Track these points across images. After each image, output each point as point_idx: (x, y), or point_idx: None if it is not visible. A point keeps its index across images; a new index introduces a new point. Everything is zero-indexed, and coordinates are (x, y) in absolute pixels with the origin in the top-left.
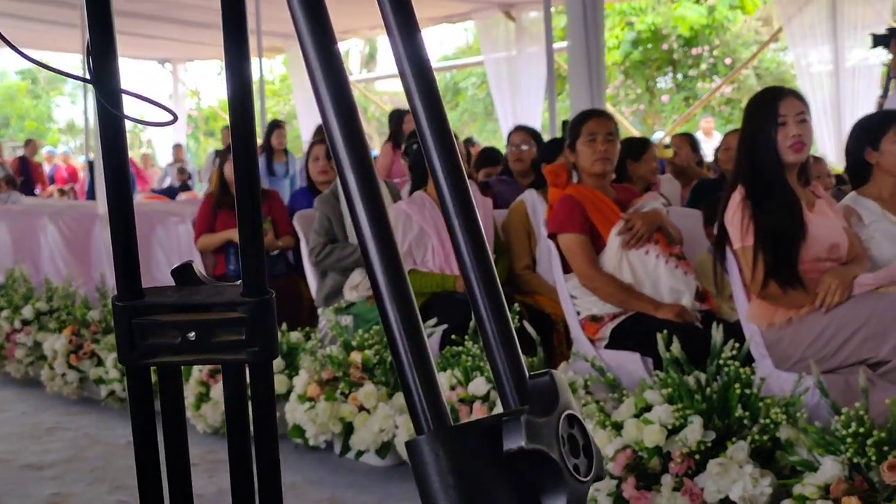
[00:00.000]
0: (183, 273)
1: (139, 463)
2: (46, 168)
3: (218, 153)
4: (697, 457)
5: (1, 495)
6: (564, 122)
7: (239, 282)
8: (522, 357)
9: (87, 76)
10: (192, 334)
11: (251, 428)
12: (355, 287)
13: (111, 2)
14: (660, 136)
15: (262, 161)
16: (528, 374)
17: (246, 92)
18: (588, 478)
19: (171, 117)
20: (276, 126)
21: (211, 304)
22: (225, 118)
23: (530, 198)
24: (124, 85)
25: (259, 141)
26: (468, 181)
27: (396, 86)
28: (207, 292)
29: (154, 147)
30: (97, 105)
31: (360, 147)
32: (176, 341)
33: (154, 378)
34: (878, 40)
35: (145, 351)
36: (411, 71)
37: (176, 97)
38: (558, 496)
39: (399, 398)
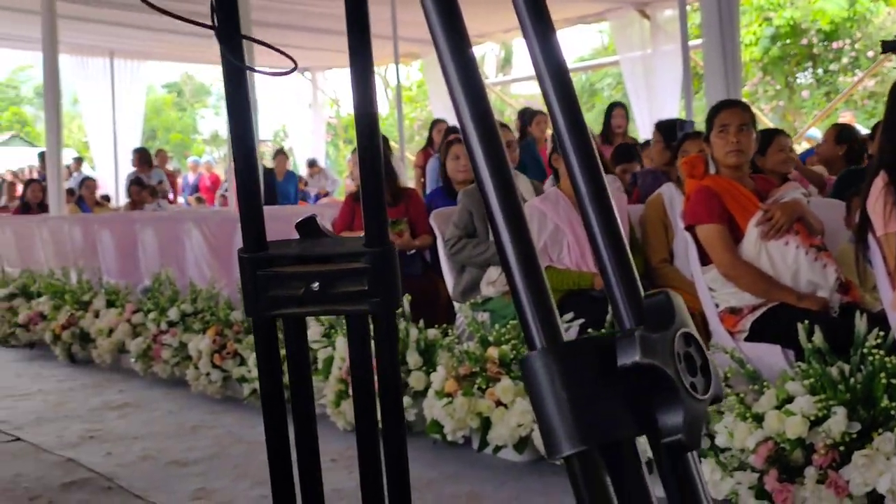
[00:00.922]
0: (307, 226)
1: (267, 414)
2: (191, 177)
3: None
4: (842, 448)
5: (148, 490)
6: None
7: (361, 234)
8: (637, 277)
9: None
10: (315, 285)
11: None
12: (492, 282)
13: None
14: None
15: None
16: (643, 294)
17: (370, 88)
18: (706, 396)
19: (291, 65)
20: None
21: (333, 255)
22: None
23: (668, 191)
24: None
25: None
26: (606, 175)
27: (532, 89)
28: (330, 244)
29: (294, 155)
30: (222, 58)
31: (495, 146)
32: (300, 293)
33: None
34: (887, 46)
35: (270, 303)
36: (548, 71)
37: (315, 105)
38: (674, 412)
39: None
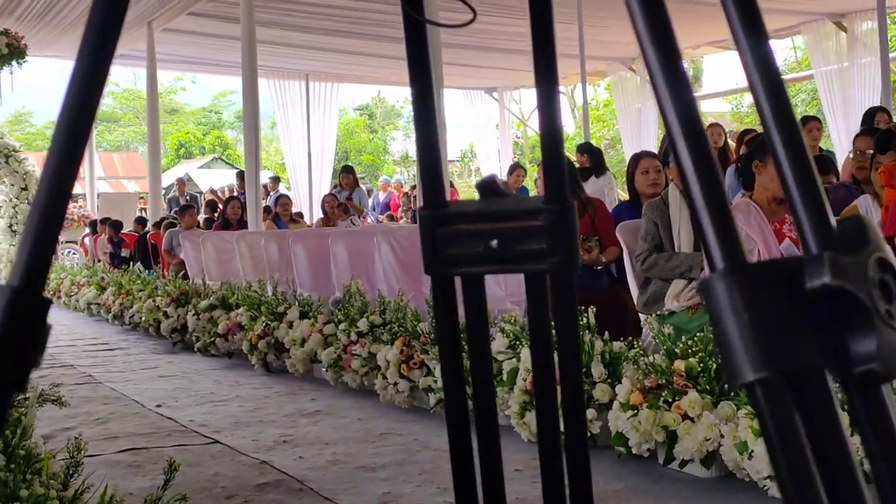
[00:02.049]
0: (487, 187)
1: (445, 373)
2: (381, 196)
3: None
4: None
5: (337, 493)
6: None
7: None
8: (826, 200)
9: None
10: (494, 242)
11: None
12: (676, 296)
13: None
14: None
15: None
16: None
17: (555, 110)
18: None
19: (471, 16)
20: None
21: (512, 212)
22: None
23: (864, 203)
24: (455, 113)
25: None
26: None
27: (720, 106)
28: (509, 202)
29: (483, 175)
30: (404, 16)
31: (706, 159)
32: (479, 250)
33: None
34: None
35: (449, 260)
36: (759, 76)
37: (503, 125)
38: (867, 339)
39: (725, 407)
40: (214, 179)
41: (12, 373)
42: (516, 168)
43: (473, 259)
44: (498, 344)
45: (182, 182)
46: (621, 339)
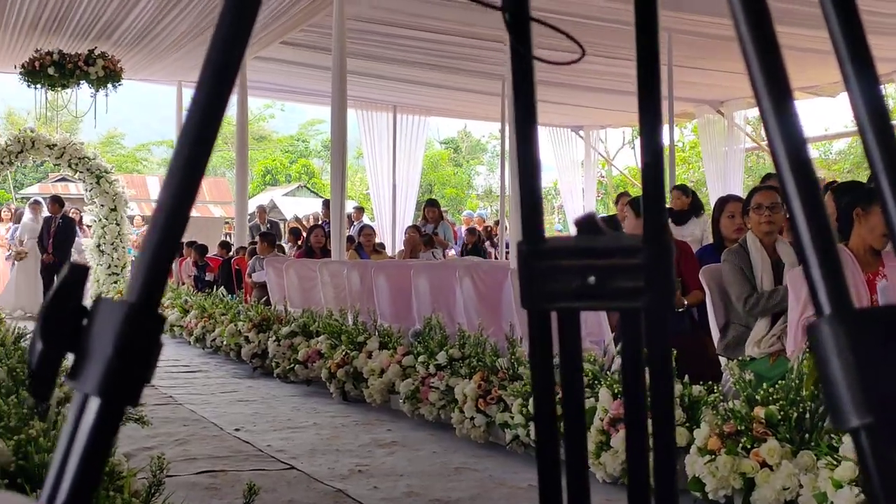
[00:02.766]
0: (585, 223)
1: (538, 406)
2: (464, 230)
3: (630, 204)
4: None
5: None
6: None
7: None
8: None
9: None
10: (591, 279)
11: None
12: (757, 343)
13: None
14: None
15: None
16: None
17: (657, 155)
18: None
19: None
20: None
21: (610, 249)
22: (634, 185)
23: None
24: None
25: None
26: None
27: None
28: (607, 240)
29: (565, 213)
30: (511, 52)
31: (815, 203)
32: (575, 286)
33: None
34: None
35: (546, 295)
36: (869, 122)
37: (588, 164)
38: None
39: (805, 456)
40: (299, 207)
41: (127, 386)
42: (674, 189)
43: (570, 294)
44: None
45: (262, 210)
46: (701, 383)
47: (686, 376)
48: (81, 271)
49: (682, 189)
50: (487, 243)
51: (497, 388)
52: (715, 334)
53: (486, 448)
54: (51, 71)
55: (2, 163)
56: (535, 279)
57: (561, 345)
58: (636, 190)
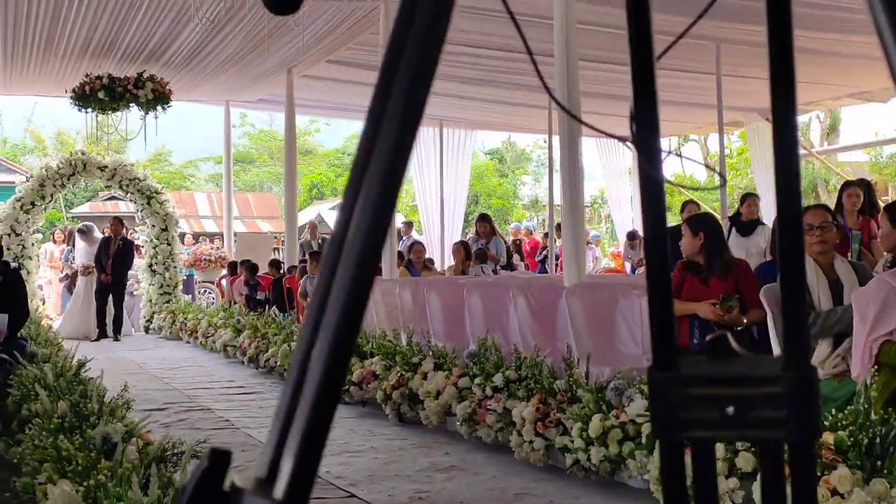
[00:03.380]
0: (718, 345)
1: None
2: (510, 241)
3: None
4: None
5: None
6: None
7: (778, 354)
8: None
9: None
10: (730, 409)
11: None
12: (821, 363)
13: (654, 71)
14: None
15: None
16: None
17: (793, 156)
18: None
19: (718, 182)
20: None
21: (749, 378)
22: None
23: None
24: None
25: None
26: None
27: (859, 157)
28: (745, 365)
29: (614, 223)
30: (638, 165)
31: None
32: (713, 416)
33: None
34: None
35: (680, 425)
36: None
37: (636, 173)
38: None
39: (878, 484)
40: None
41: None
42: (749, 197)
43: (706, 424)
44: (637, 406)
45: (314, 226)
46: None
47: None
48: (223, 458)
49: (753, 198)
50: (516, 256)
51: (556, 410)
52: (775, 348)
53: (545, 472)
54: (101, 95)
55: (54, 186)
56: (669, 408)
57: (695, 476)
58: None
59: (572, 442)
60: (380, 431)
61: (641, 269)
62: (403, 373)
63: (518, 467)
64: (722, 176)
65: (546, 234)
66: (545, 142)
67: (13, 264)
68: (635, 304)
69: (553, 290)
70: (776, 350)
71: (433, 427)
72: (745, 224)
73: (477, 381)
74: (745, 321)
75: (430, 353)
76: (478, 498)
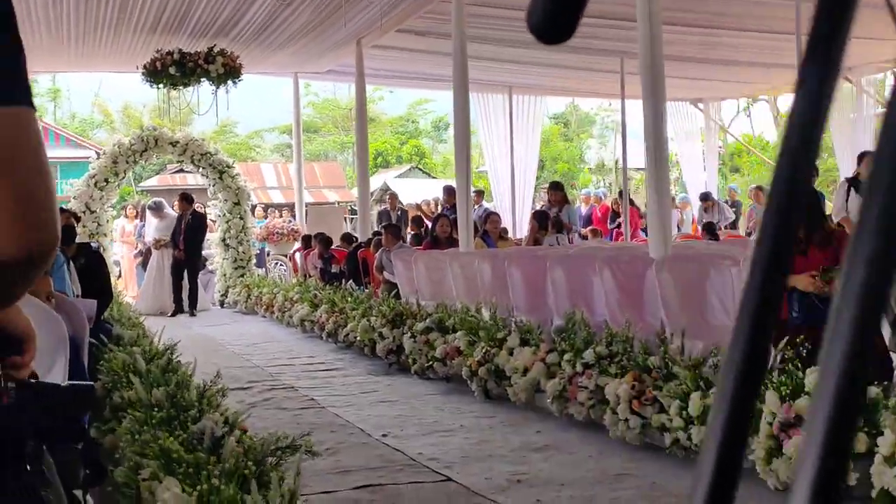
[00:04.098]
0: None
1: None
2: (583, 209)
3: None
4: None
5: None
6: None
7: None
8: None
9: None
10: None
11: None
12: None
13: None
14: None
15: None
16: None
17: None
18: None
19: None
20: None
21: None
22: (749, 152)
23: None
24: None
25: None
26: None
27: None
28: None
29: (685, 185)
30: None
31: None
32: None
33: None
34: None
35: None
36: None
37: (708, 133)
38: None
39: None
40: (412, 188)
41: None
42: (868, 155)
43: None
44: None
45: (394, 196)
46: (871, 382)
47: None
48: None
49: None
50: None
51: (651, 388)
52: (886, 331)
53: (642, 451)
54: (172, 70)
55: (127, 162)
56: None
57: None
58: (750, 157)
59: (671, 421)
60: (467, 409)
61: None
62: (489, 348)
63: (614, 446)
64: None
65: (616, 199)
66: (610, 104)
67: (94, 244)
68: (726, 275)
69: (640, 262)
70: (884, 325)
71: (521, 404)
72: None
73: (566, 357)
74: None
75: (515, 327)
76: (577, 479)
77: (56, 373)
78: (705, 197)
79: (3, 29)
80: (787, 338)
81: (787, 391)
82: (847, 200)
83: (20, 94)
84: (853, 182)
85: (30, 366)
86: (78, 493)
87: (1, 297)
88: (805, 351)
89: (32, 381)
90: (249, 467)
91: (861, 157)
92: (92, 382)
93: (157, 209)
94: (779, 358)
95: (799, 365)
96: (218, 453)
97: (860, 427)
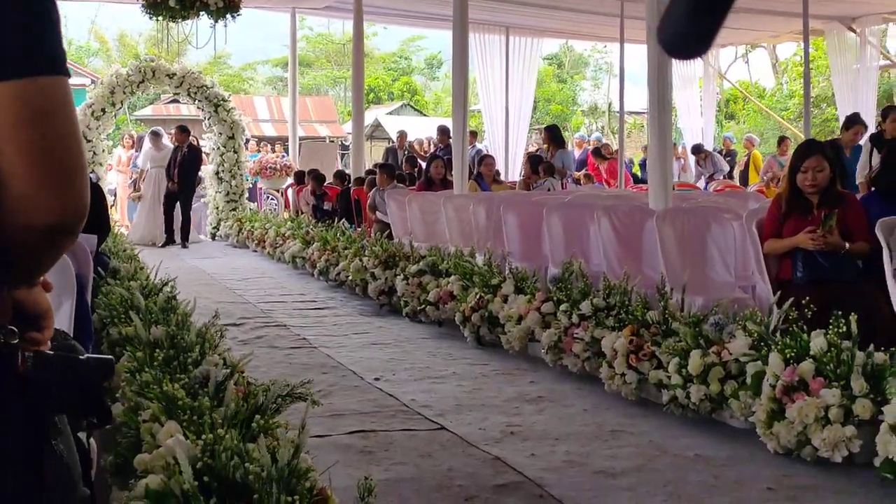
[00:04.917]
0: None
1: None
2: (577, 153)
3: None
4: None
5: (582, 501)
6: None
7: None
8: None
9: None
10: None
11: None
12: None
13: None
14: None
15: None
16: None
17: None
18: None
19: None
20: None
21: None
22: (746, 99)
23: None
24: None
25: None
26: None
27: None
28: None
29: (681, 131)
30: None
31: None
32: None
33: None
34: None
35: None
36: None
37: (706, 80)
38: None
39: None
40: (404, 125)
41: None
42: (892, 111)
43: None
44: (740, 345)
45: (403, 135)
46: (877, 347)
47: (871, 345)
48: None
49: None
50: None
51: (650, 343)
52: (893, 294)
53: (638, 406)
54: (172, 3)
55: (124, 93)
56: None
57: None
58: (746, 105)
59: (669, 378)
60: (459, 355)
61: (714, 184)
62: (482, 295)
63: (609, 400)
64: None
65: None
66: (605, 46)
67: (92, 177)
68: (728, 230)
69: (639, 212)
70: (892, 285)
71: (514, 353)
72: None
73: (562, 307)
74: (846, 245)
75: (510, 274)
76: (573, 434)
77: (63, 314)
78: (698, 149)
79: (54, 6)
80: (791, 298)
81: (792, 354)
82: (870, 160)
83: (52, 63)
84: (876, 139)
85: (48, 341)
86: (82, 435)
87: (31, 268)
88: (810, 313)
89: (51, 353)
90: (256, 420)
91: (886, 112)
92: (111, 356)
93: (156, 137)
94: (782, 318)
95: (804, 327)
96: (219, 398)
97: (865, 394)
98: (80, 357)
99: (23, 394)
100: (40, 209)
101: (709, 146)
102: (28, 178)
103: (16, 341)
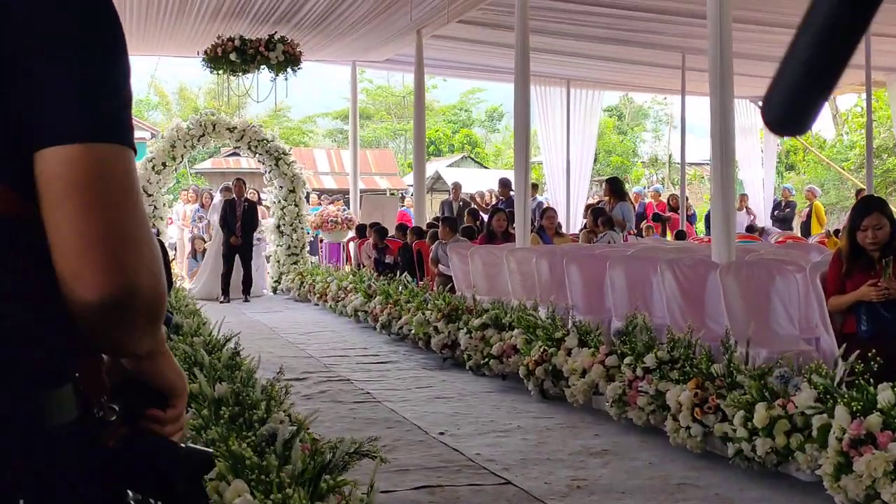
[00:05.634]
0: None
1: None
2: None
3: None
4: None
5: None
6: None
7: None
8: None
9: None
10: None
11: None
12: None
13: None
14: None
15: None
16: None
17: None
18: None
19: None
20: None
21: None
22: (807, 150)
23: None
24: None
25: None
26: None
27: None
28: None
29: (742, 183)
30: None
31: None
32: None
33: None
34: None
35: None
36: None
37: (766, 131)
38: None
39: None
40: (464, 177)
41: None
42: None
43: None
44: (805, 397)
45: (457, 187)
46: None
47: None
48: None
49: None
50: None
51: (714, 396)
52: None
53: (703, 459)
54: (232, 57)
55: (185, 146)
56: None
57: None
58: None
59: (734, 430)
60: (523, 408)
61: (775, 235)
62: (546, 348)
63: (674, 453)
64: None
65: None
66: (665, 98)
67: (153, 231)
68: (792, 282)
69: (703, 265)
70: None
71: (578, 406)
72: None
73: (627, 360)
74: None
75: (574, 327)
76: (639, 487)
77: None
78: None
79: (121, 73)
80: (857, 352)
81: (858, 407)
82: None
83: (116, 132)
84: None
85: (178, 423)
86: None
87: (102, 341)
88: (876, 366)
89: (150, 434)
90: (325, 479)
91: None
92: (210, 450)
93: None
94: (847, 371)
95: (871, 380)
96: (286, 456)
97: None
98: (180, 446)
99: (105, 470)
100: (85, 285)
101: (769, 197)
102: (73, 251)
103: (113, 419)
